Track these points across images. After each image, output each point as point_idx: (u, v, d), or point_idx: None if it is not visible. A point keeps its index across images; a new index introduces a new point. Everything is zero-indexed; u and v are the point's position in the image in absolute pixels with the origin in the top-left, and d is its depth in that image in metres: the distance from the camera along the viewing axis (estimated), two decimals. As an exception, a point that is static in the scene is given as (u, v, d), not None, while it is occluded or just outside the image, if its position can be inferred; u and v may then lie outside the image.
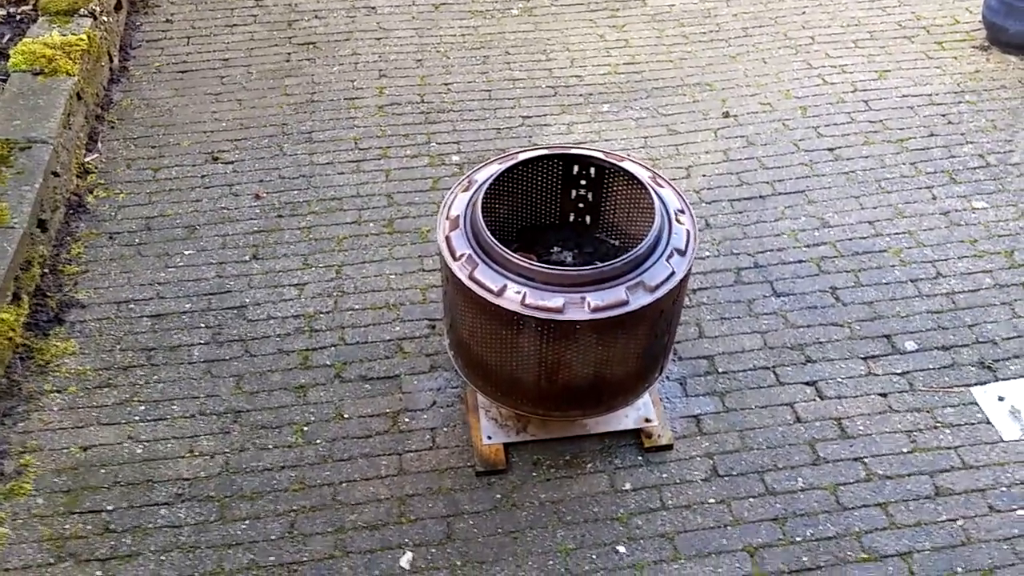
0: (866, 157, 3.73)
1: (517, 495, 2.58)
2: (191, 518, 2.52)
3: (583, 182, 2.71)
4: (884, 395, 2.85)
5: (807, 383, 2.88)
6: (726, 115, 3.93)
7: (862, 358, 2.95)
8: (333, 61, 4.22)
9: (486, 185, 2.46)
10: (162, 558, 2.43)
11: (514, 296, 2.25)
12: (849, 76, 4.15)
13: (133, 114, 3.91)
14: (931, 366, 2.93)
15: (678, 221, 2.42)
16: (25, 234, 3.03)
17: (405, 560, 2.44)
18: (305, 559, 2.44)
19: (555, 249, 2.77)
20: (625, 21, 4.51)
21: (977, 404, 2.82)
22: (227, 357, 2.94)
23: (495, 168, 2.54)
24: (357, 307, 3.11)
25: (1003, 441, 2.72)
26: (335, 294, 3.15)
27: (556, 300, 2.23)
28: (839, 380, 2.89)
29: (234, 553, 2.45)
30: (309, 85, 4.08)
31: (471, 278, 2.29)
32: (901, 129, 3.86)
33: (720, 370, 2.92)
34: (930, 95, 4.04)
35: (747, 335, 3.02)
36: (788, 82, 4.12)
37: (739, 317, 3.08)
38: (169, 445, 2.69)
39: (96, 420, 2.75)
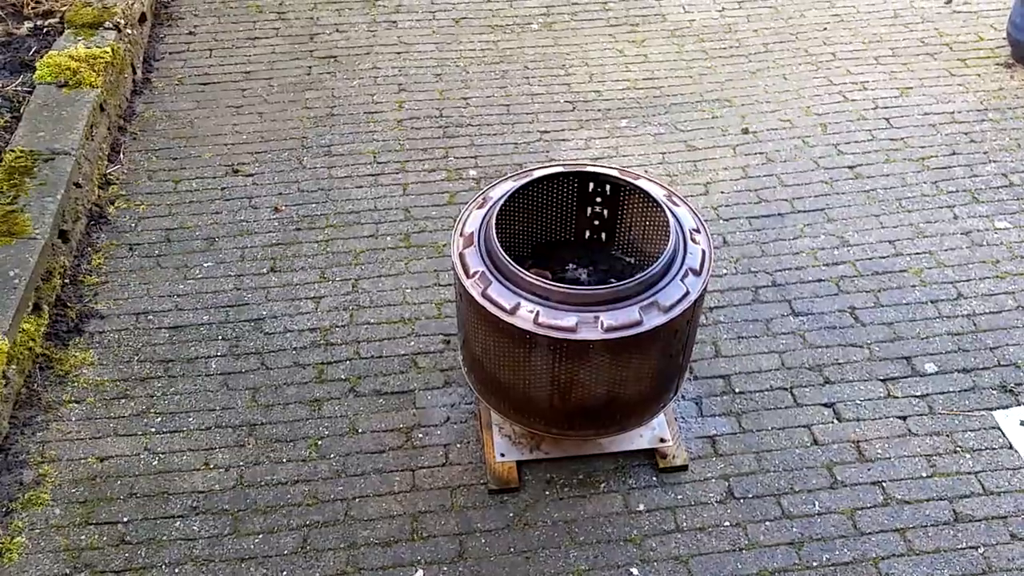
0: (887, 175, 3.70)
1: (530, 514, 2.57)
2: (205, 531, 2.53)
3: (599, 199, 2.71)
4: (903, 418, 2.81)
5: (825, 404, 2.85)
6: (745, 131, 3.91)
7: (881, 380, 2.92)
8: (353, 75, 4.25)
9: (500, 203, 2.46)
10: (176, 571, 2.44)
11: (527, 315, 2.24)
12: (870, 93, 4.12)
13: (155, 126, 3.96)
14: (951, 389, 2.89)
15: (693, 240, 2.41)
16: (47, 245, 3.07)
17: (416, 577, 2.44)
18: (317, 575, 2.44)
19: (570, 266, 2.76)
20: (644, 36, 4.51)
21: (999, 428, 2.78)
22: (243, 370, 2.96)
23: (510, 185, 2.53)
24: (372, 321, 3.12)
25: (1025, 467, 2.68)
26: (351, 308, 3.16)
27: (569, 319, 2.22)
28: (857, 402, 2.86)
29: (247, 567, 2.45)
30: (329, 99, 4.11)
31: (484, 296, 2.29)
32: (923, 147, 3.83)
33: (736, 390, 2.89)
34: (952, 113, 4.00)
35: (764, 355, 3.00)
36: (808, 99, 4.10)
37: (756, 336, 3.06)
38: (185, 457, 2.71)
39: (113, 431, 2.77)
